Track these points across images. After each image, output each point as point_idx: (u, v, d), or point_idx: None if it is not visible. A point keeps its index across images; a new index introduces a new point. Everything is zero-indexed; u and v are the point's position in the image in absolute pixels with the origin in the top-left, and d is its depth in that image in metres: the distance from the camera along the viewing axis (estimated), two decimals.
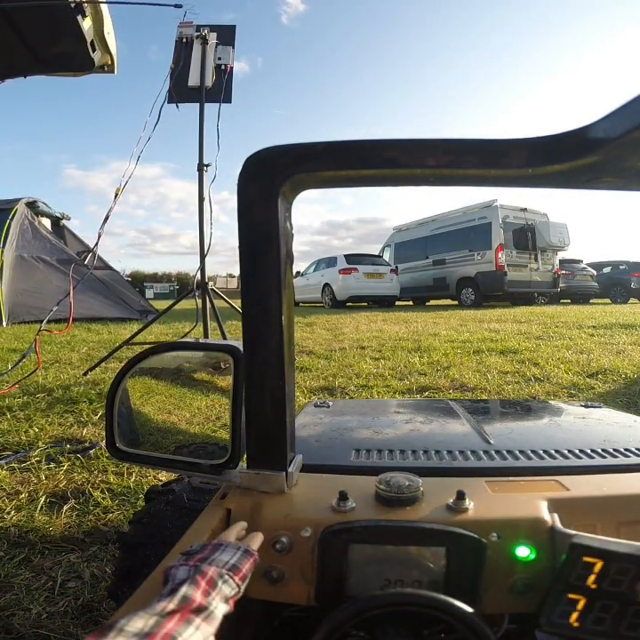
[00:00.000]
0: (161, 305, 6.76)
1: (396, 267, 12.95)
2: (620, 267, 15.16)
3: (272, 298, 0.55)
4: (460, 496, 0.54)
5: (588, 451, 0.72)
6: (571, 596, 0.45)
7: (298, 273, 14.41)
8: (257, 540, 0.51)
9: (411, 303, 13.79)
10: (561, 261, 12.59)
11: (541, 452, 0.72)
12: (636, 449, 0.72)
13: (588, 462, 0.68)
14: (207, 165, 2.95)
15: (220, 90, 3.13)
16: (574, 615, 0.45)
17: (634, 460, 0.69)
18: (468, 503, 0.53)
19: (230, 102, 3.20)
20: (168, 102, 3.11)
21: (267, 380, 0.57)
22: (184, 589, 0.38)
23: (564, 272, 12.84)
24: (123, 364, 0.70)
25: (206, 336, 3.14)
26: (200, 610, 0.37)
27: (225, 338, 2.92)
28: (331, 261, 12.51)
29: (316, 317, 7.52)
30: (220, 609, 0.39)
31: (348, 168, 0.51)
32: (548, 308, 9.46)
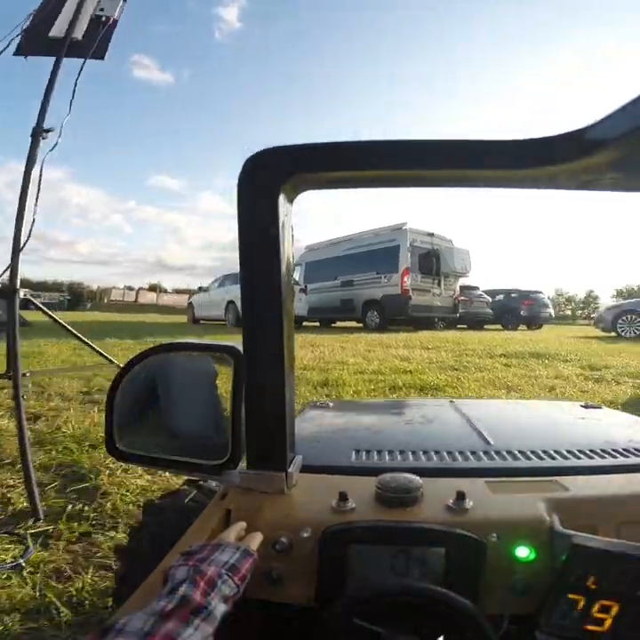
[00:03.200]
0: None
1: (306, 286, 12.65)
2: (512, 295, 16.20)
3: (272, 298, 0.55)
4: (460, 496, 0.53)
5: (588, 451, 0.72)
6: (571, 596, 0.45)
7: (200, 288, 14.11)
8: (256, 541, 0.51)
9: (317, 324, 13.51)
10: (460, 287, 13.07)
11: (541, 452, 0.72)
12: (636, 449, 0.73)
13: (587, 463, 0.68)
14: (47, 131, 2.17)
15: (92, 43, 2.39)
16: (574, 615, 0.45)
17: (633, 460, 0.69)
18: (468, 503, 0.53)
19: (102, 58, 2.49)
20: (15, 54, 2.32)
21: (267, 380, 0.57)
22: (183, 589, 0.38)
23: (462, 298, 13.32)
24: (123, 365, 0.70)
25: (10, 360, 1.92)
26: (199, 610, 0.37)
27: (107, 359, 2.23)
28: (237, 277, 11.94)
29: (212, 337, 6.78)
30: (220, 609, 0.39)
31: (349, 169, 0.51)
32: (449, 334, 9.49)
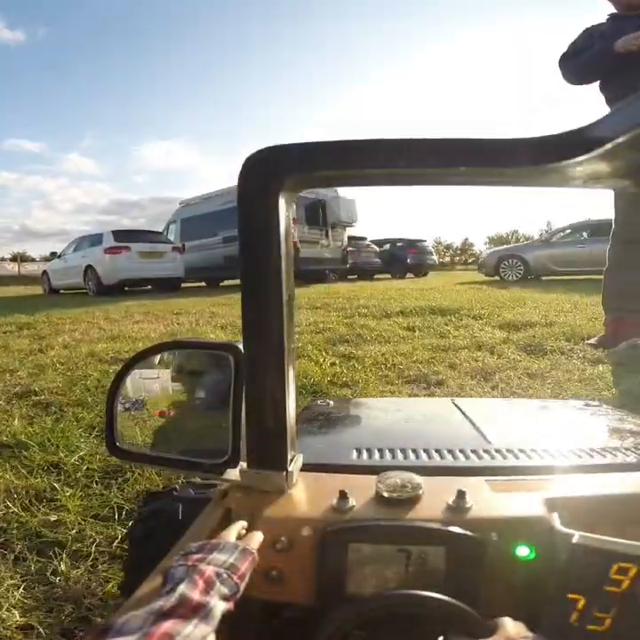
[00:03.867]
0: None
1: (183, 245, 11.48)
2: (398, 244, 16.33)
3: (272, 296, 0.55)
4: (461, 495, 0.53)
5: (589, 450, 0.71)
6: (571, 595, 0.45)
7: (54, 254, 12.22)
8: (256, 540, 0.50)
9: (203, 284, 12.20)
10: (348, 238, 12.62)
11: (541, 451, 0.71)
12: (637, 448, 0.72)
13: (588, 461, 0.68)
14: None
15: None
16: (574, 615, 0.45)
17: (634, 459, 0.68)
18: (469, 502, 0.53)
19: None
20: None
21: (267, 379, 0.57)
22: (182, 589, 0.38)
23: (351, 249, 12.92)
24: (123, 364, 0.70)
25: None
26: (198, 609, 0.37)
27: None
28: (95, 239, 10.38)
29: (47, 314, 5.33)
30: (219, 608, 0.39)
31: (349, 167, 0.51)
32: (341, 286, 8.96)
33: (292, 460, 0.60)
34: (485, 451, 0.71)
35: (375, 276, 15.18)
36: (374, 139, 0.49)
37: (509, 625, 0.43)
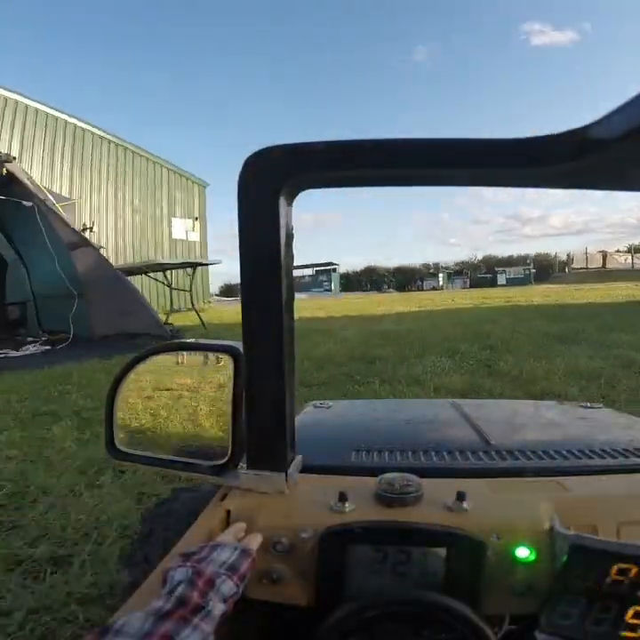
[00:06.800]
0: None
1: None
2: None
3: (273, 298, 0.54)
4: (460, 497, 0.53)
5: (588, 451, 0.71)
6: (571, 596, 0.45)
7: None
8: (255, 541, 0.50)
9: None
10: None
11: (541, 452, 0.71)
12: (636, 450, 0.71)
13: (588, 463, 0.67)
14: None
15: None
16: (575, 615, 0.44)
17: (634, 460, 0.68)
18: (468, 504, 0.53)
19: None
20: None
21: (267, 380, 0.57)
22: (181, 590, 0.38)
23: None
24: (124, 364, 0.69)
25: None
26: (197, 610, 0.37)
27: None
28: None
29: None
30: (218, 608, 0.39)
31: (350, 168, 0.51)
32: None
33: (291, 462, 0.60)
34: (485, 452, 0.71)
35: None
36: (374, 139, 0.48)
37: None
